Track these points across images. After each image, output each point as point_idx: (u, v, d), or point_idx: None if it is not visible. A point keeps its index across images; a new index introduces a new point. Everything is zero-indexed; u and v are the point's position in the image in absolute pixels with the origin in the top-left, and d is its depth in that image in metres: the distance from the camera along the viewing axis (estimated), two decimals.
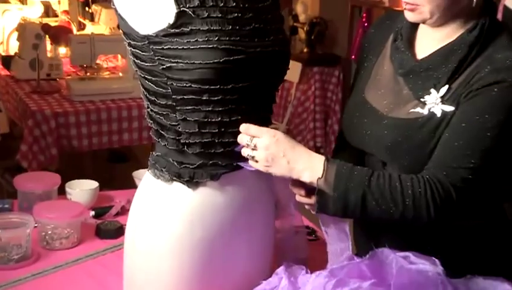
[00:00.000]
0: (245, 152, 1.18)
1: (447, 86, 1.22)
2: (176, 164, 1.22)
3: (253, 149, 1.18)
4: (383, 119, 1.28)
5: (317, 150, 4.33)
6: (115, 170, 3.72)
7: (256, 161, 1.18)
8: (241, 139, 1.19)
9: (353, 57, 4.22)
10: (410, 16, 1.26)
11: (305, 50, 4.58)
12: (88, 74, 3.26)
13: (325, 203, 1.17)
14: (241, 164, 1.21)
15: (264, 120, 1.28)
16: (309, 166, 1.17)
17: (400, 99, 1.28)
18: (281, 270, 1.23)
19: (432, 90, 1.23)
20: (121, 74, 3.30)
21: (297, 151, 1.18)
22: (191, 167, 1.21)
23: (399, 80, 1.29)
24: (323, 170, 1.16)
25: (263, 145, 1.17)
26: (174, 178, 1.22)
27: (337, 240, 1.24)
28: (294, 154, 1.17)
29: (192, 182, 1.21)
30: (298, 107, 4.45)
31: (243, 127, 1.18)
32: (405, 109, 1.26)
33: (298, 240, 1.35)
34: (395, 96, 1.29)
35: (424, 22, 1.26)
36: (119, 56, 3.51)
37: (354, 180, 1.16)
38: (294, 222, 1.36)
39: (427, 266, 1.09)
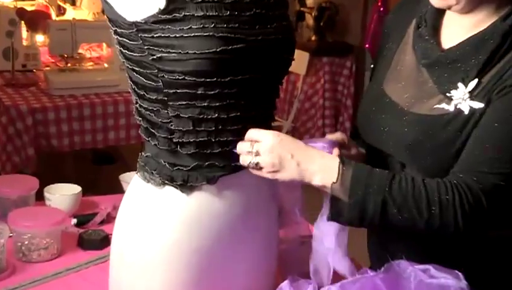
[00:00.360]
0: (246, 160, 1.18)
1: (476, 80, 1.22)
2: (167, 165, 1.23)
3: (256, 155, 1.17)
4: (404, 114, 1.28)
5: None
6: (100, 172, 3.75)
7: (261, 168, 1.18)
8: (241, 148, 1.19)
9: (367, 45, 4.23)
10: (434, 2, 1.26)
11: (313, 38, 4.59)
12: (69, 64, 3.27)
13: (339, 211, 1.17)
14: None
15: (266, 117, 1.29)
16: (321, 168, 1.16)
17: (423, 93, 1.28)
18: (285, 284, 1.25)
19: (460, 85, 1.23)
20: (106, 65, 3.32)
21: (307, 151, 1.18)
22: (184, 169, 1.22)
23: (422, 71, 1.29)
24: (338, 173, 1.15)
25: (267, 148, 1.17)
26: (166, 182, 1.22)
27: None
28: (304, 155, 1.17)
29: (186, 186, 1.22)
30: (305, 103, 4.46)
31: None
32: (428, 104, 1.26)
33: (304, 251, 1.34)
34: (418, 90, 1.28)
35: (449, 8, 1.26)
36: (104, 45, 3.53)
37: (373, 185, 1.15)
38: (300, 231, 1.36)
39: (449, 281, 1.10)
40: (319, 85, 4.42)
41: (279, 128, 4.23)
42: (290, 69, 1.31)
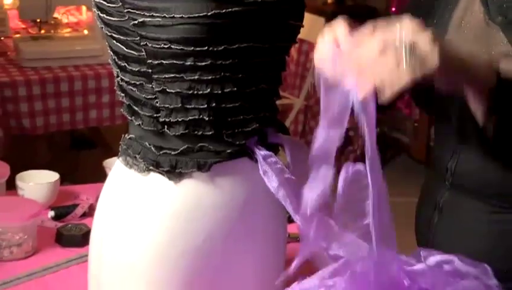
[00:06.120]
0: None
1: None
2: (153, 149, 1.24)
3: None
4: None
5: (348, 140, 4.24)
6: (80, 158, 3.76)
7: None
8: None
9: (393, 9, 4.17)
10: None
11: (329, 0, 4.56)
12: (42, 31, 3.30)
13: None
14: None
15: (269, 93, 1.30)
16: None
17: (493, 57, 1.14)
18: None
19: None
20: (86, 32, 3.34)
21: None
22: (172, 153, 1.23)
23: (494, 33, 1.15)
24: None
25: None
26: (151, 167, 1.24)
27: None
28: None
29: (174, 172, 1.23)
30: None
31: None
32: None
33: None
34: (486, 52, 1.15)
35: None
36: (84, 8, 3.53)
37: None
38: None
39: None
40: None
41: (289, 107, 4.22)
42: (302, 37, 1.31)
